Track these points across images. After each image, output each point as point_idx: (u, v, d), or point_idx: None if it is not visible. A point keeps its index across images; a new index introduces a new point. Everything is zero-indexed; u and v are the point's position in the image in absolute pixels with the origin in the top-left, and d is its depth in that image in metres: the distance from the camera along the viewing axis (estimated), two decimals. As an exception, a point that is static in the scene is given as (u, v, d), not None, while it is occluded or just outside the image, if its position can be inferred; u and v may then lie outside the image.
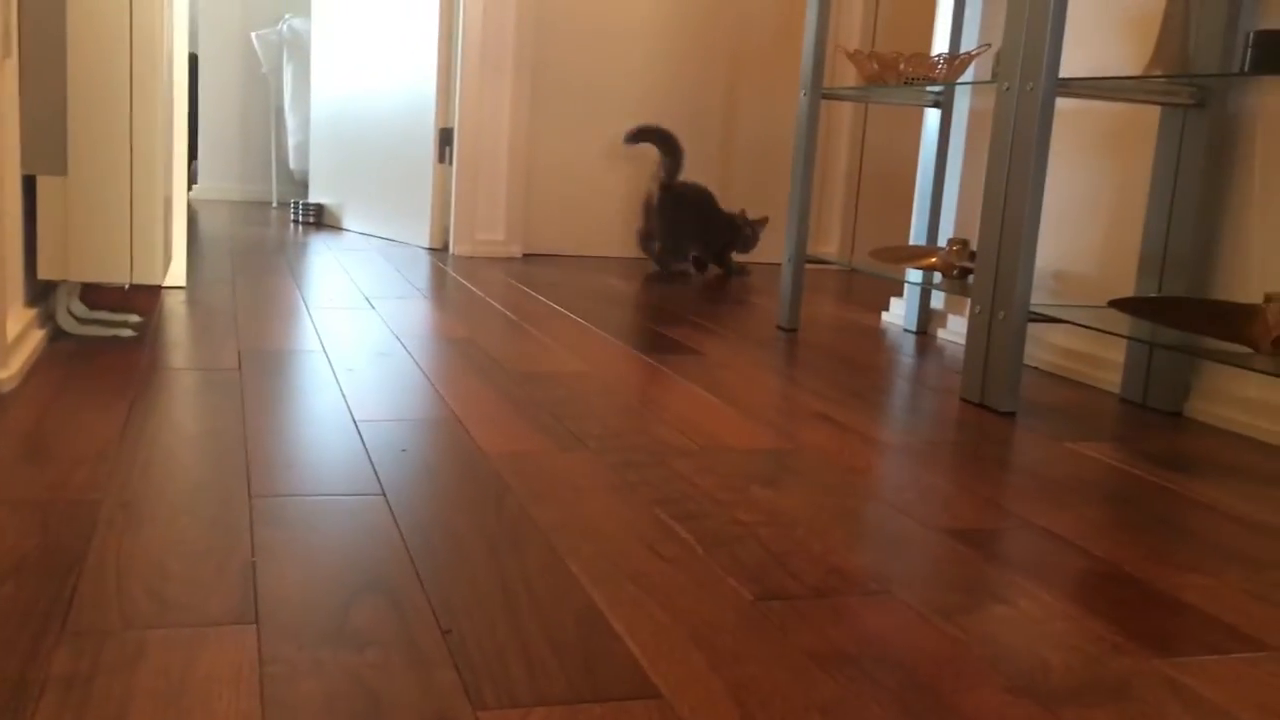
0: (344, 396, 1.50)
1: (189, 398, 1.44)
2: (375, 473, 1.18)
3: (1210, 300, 1.55)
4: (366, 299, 2.32)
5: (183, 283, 2.28)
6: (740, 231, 3.27)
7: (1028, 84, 1.60)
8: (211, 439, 1.26)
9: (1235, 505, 1.28)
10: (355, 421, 1.38)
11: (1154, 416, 1.72)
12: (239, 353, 1.72)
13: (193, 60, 5.31)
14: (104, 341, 1.72)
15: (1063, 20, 1.57)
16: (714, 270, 3.34)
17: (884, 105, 3.64)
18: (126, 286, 2.05)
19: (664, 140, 3.17)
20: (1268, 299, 1.36)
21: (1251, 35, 1.33)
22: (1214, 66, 1.62)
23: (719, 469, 1.29)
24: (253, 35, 4.37)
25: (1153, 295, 1.69)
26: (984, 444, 1.49)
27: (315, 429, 1.33)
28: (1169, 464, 1.45)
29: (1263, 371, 1.33)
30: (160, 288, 2.23)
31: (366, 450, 1.26)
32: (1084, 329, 1.89)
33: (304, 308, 2.16)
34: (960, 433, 1.54)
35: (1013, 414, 1.67)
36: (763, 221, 3.25)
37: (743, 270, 3.34)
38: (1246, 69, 1.34)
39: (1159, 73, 1.52)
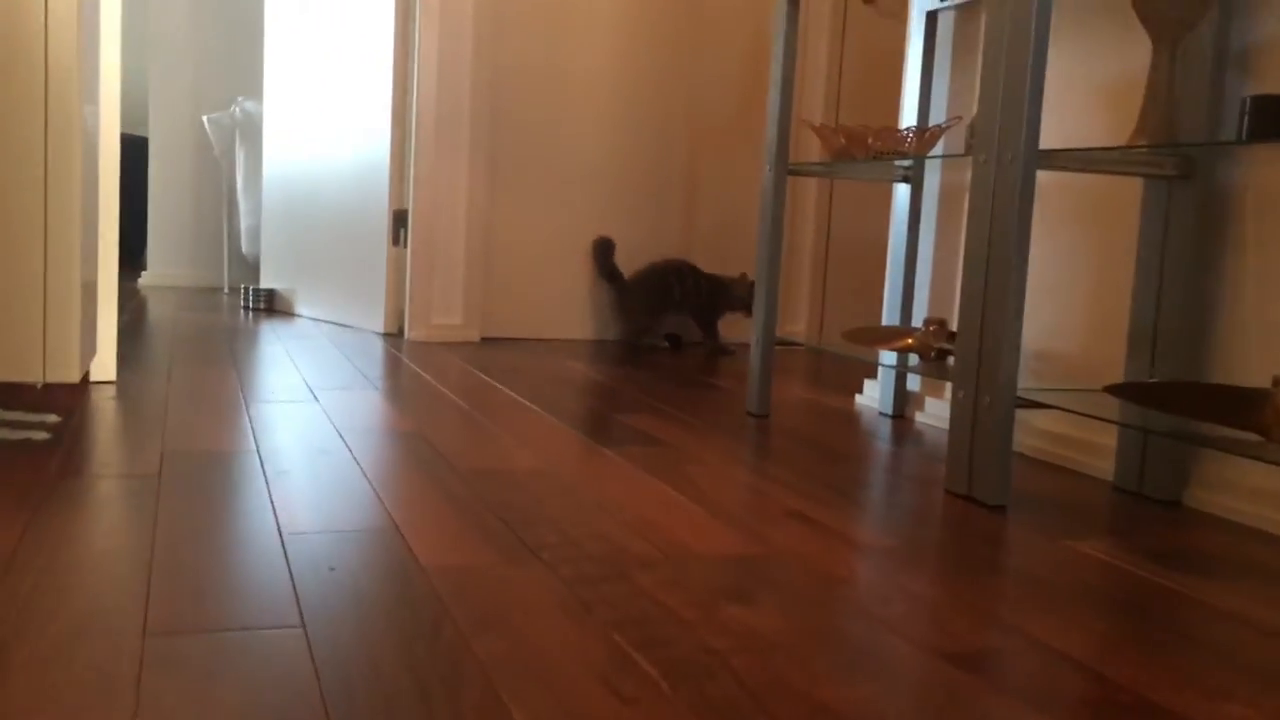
0: (272, 505, 1.36)
1: (97, 510, 1.29)
2: (297, 599, 1.04)
3: (1214, 385, 1.45)
4: (311, 390, 2.19)
5: (112, 376, 2.13)
6: (730, 292, 3.23)
7: (1007, 155, 1.51)
8: (113, 561, 1.11)
9: (1258, 613, 1.16)
10: (281, 535, 1.23)
11: (1152, 507, 1.61)
12: (162, 455, 1.58)
13: (142, 144, 5.21)
14: (13, 446, 1.58)
15: (1041, 89, 1.49)
16: (687, 346, 3.23)
17: (851, 181, 3.58)
18: (38, 386, 1.91)
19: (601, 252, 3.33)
20: (1277, 383, 1.26)
21: (1248, 101, 1.25)
22: (1199, 135, 1.54)
23: (686, 582, 1.15)
24: (204, 118, 4.28)
25: (1151, 380, 1.59)
26: (974, 544, 1.37)
27: (234, 546, 1.19)
28: (1177, 564, 1.33)
29: (1276, 463, 1.22)
30: (86, 383, 2.09)
31: (290, 571, 1.12)
32: (1071, 414, 1.78)
33: (242, 402, 2.02)
34: (948, 531, 1.42)
35: (1003, 507, 1.55)
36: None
37: (728, 350, 3.27)
38: (1245, 137, 1.25)
39: (1144, 143, 1.43)
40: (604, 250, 3.31)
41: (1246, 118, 1.24)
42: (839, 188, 3.59)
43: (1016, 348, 1.53)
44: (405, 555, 1.19)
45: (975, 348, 1.57)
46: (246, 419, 1.87)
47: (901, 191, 2.27)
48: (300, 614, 1.00)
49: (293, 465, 1.56)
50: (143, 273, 4.50)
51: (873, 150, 1.99)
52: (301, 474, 1.51)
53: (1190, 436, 1.38)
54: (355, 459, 1.62)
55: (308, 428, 1.83)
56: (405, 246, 3.17)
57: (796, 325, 3.58)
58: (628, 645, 0.97)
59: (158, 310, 3.57)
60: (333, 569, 1.13)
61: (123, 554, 1.14)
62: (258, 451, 1.63)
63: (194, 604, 1.01)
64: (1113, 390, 1.38)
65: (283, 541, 1.21)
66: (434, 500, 1.42)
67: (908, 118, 2.25)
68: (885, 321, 2.31)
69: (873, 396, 2.40)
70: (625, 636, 0.99)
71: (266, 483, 1.46)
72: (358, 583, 1.09)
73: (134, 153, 5.47)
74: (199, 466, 1.52)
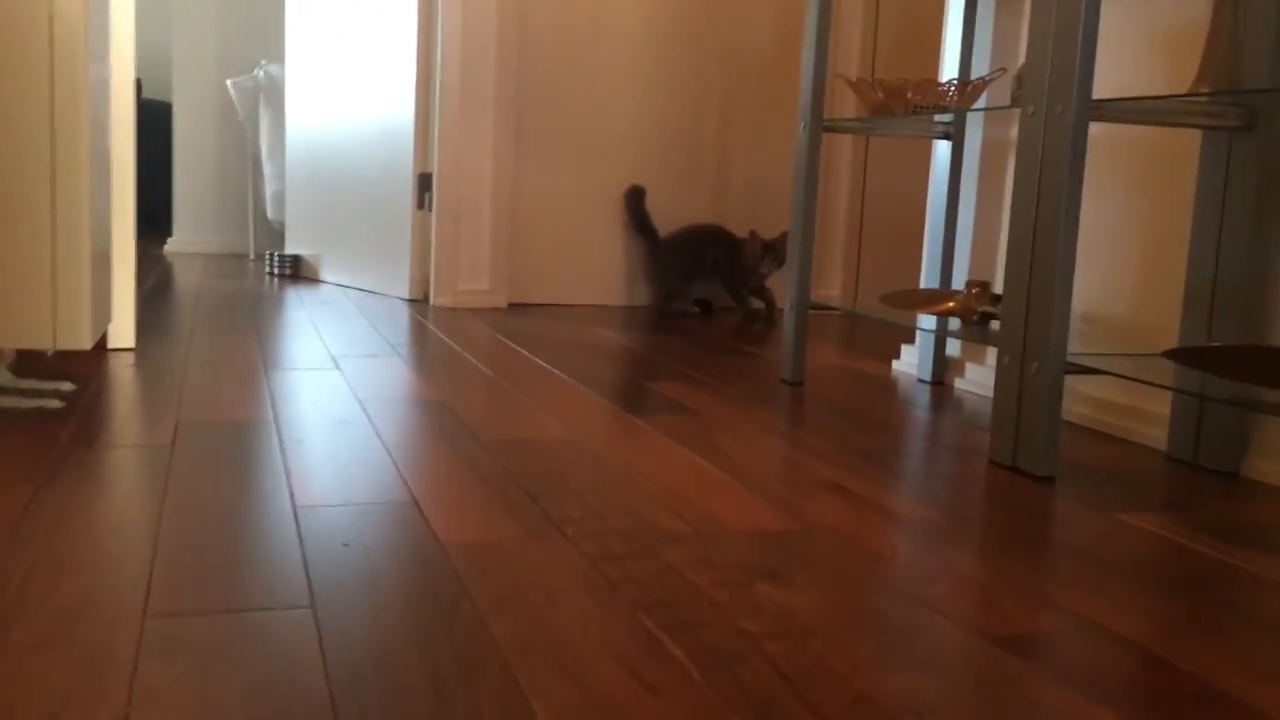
0: (287, 477, 1.30)
1: (106, 482, 1.24)
2: (308, 577, 0.99)
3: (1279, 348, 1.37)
4: (333, 358, 2.14)
5: (131, 344, 2.09)
6: (744, 253, 3.18)
7: (1057, 107, 1.43)
8: (118, 536, 1.07)
9: (1328, 591, 1.09)
10: (295, 509, 1.18)
11: (1208, 478, 1.53)
12: (177, 425, 1.53)
13: (166, 110, 5.17)
14: (26, 414, 1.54)
15: (1094, 35, 1.40)
16: (720, 312, 3.16)
17: (886, 138, 3.48)
18: (49, 353, 1.86)
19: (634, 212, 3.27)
20: (1349, 346, 1.17)
21: (1323, 43, 1.16)
22: (1264, 84, 1.45)
23: (717, 559, 1.09)
24: (228, 82, 4.23)
25: (1211, 344, 1.50)
26: (1022, 518, 1.30)
27: (245, 521, 1.14)
28: (1237, 538, 1.25)
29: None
30: (104, 350, 2.05)
31: (302, 546, 1.06)
32: (1122, 379, 1.70)
33: (262, 370, 1.98)
34: (993, 504, 1.35)
35: (1051, 479, 1.48)
36: (770, 244, 3.12)
37: (761, 316, 3.21)
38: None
39: (1207, 90, 1.34)
40: (635, 198, 3.24)
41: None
42: (874, 145, 3.49)
43: (1067, 311, 1.45)
44: (423, 530, 1.13)
45: (1022, 311, 1.49)
46: (266, 388, 1.82)
47: (941, 148, 2.18)
48: (311, 593, 0.95)
49: (310, 436, 1.51)
50: (168, 239, 4.47)
51: (913, 105, 1.90)
52: (319, 445, 1.46)
53: (1255, 404, 1.30)
54: (375, 430, 1.57)
55: (328, 397, 1.78)
56: (430, 210, 3.11)
57: (830, 289, 3.50)
58: (655, 628, 0.91)
59: (182, 277, 3.53)
60: (346, 545, 1.08)
61: (129, 529, 1.09)
62: (275, 421, 1.59)
63: (198, 583, 0.96)
64: (1172, 355, 1.30)
65: (296, 516, 1.16)
66: (456, 472, 1.36)
67: (949, 71, 2.16)
68: (924, 284, 2.23)
69: (910, 362, 2.32)
70: (653, 619, 0.93)
71: (283, 454, 1.41)
72: (372, 560, 1.04)
73: (160, 119, 5.43)
74: (214, 436, 1.48)
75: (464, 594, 0.96)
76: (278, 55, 4.25)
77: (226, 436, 1.48)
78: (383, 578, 0.99)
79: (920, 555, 1.14)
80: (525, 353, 2.32)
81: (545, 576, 1.02)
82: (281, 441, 1.47)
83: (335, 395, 1.79)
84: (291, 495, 1.23)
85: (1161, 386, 1.35)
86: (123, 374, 1.87)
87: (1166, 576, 1.11)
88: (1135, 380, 1.41)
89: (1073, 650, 0.91)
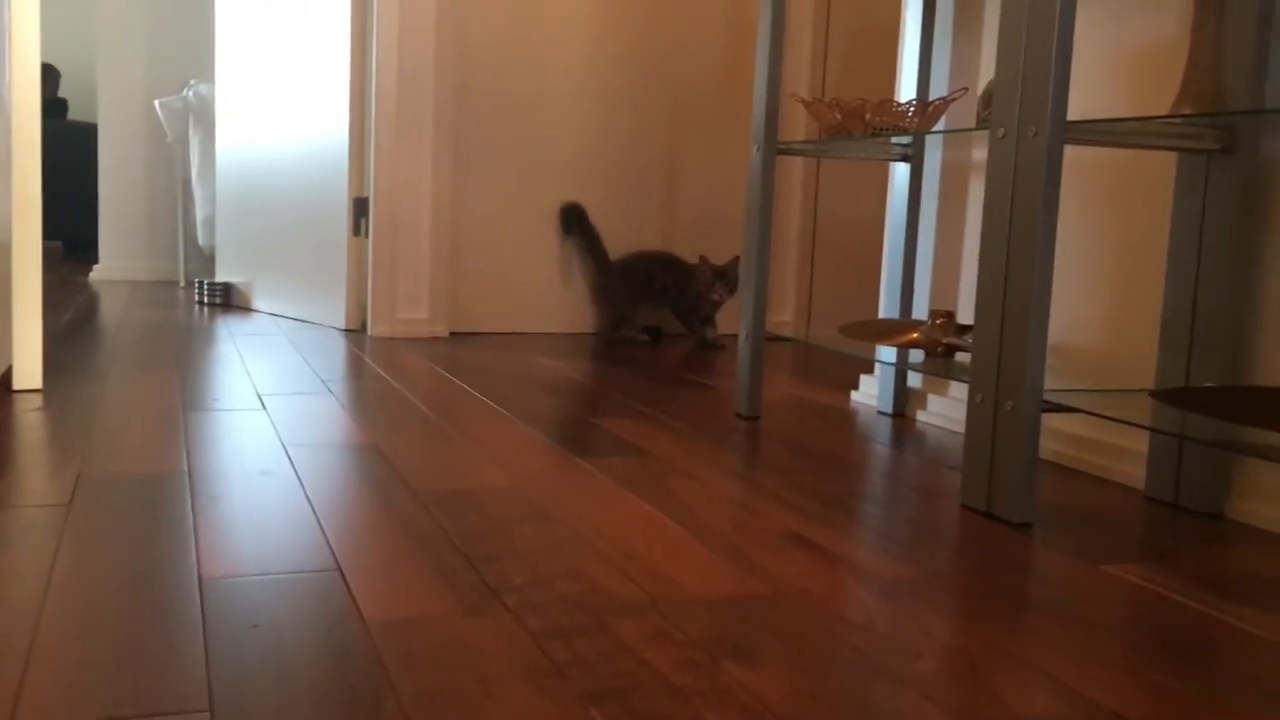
0: (196, 542, 1.17)
1: (-13, 553, 1.10)
2: (208, 671, 0.86)
3: (1276, 388, 1.28)
4: (260, 397, 2.00)
5: (37, 384, 1.94)
6: (694, 281, 3.05)
7: (1030, 129, 1.34)
8: (-9, 623, 0.93)
9: (1342, 657, 1.00)
10: (201, 582, 1.05)
11: (1192, 521, 1.45)
12: (78, 479, 1.39)
13: (92, 131, 4.99)
14: (-92, 471, 1.39)
15: (1069, 53, 1.31)
16: (662, 342, 3.06)
17: (837, 161, 3.40)
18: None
19: (575, 221, 3.15)
20: (1351, 385, 1.09)
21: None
22: (1243, 104, 1.37)
23: (677, 633, 0.98)
24: (156, 103, 4.06)
25: (1205, 385, 1.42)
26: (1003, 573, 1.20)
27: (141, 600, 1.00)
28: (1237, 594, 1.16)
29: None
30: (10, 392, 1.89)
31: (205, 632, 0.93)
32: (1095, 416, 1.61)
33: (180, 412, 1.83)
34: (971, 557, 1.25)
35: (1028, 525, 1.38)
36: (721, 269, 3.00)
37: (715, 344, 3.09)
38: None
39: (1190, 110, 1.26)
40: (573, 215, 3.13)
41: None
42: (825, 166, 3.41)
43: (1043, 346, 1.36)
44: (346, 606, 1.01)
45: (995, 346, 1.40)
46: (182, 433, 1.68)
47: (900, 171, 2.09)
48: (209, 693, 0.82)
49: (227, 490, 1.38)
50: (95, 266, 4.28)
51: (871, 126, 1.81)
52: (235, 501, 1.33)
53: (1243, 446, 1.21)
54: (300, 481, 1.43)
55: (251, 442, 1.64)
56: (366, 236, 2.97)
57: (782, 315, 3.41)
58: (609, 727, 0.80)
59: (107, 306, 3.36)
60: (256, 626, 0.95)
61: (2, 618, 0.95)
62: (189, 473, 1.45)
63: (75, 684, 0.82)
64: (1160, 396, 1.21)
65: (201, 591, 1.03)
66: (386, 532, 1.24)
67: (906, 90, 2.07)
68: (883, 312, 2.14)
69: (870, 394, 2.23)
70: (604, 712, 0.82)
71: (193, 513, 1.27)
72: (284, 646, 0.91)
73: (86, 141, 5.24)
74: (118, 493, 1.34)
75: (388, 688, 0.84)
76: (207, 75, 4.10)
77: (132, 493, 1.34)
78: (295, 670, 0.87)
79: (899, 623, 1.03)
80: (465, 387, 2.20)
81: (482, 660, 0.90)
82: (193, 498, 1.33)
83: (259, 440, 1.65)
84: (198, 565, 1.10)
85: (1149, 429, 1.26)
86: (24, 419, 1.72)
87: (1167, 642, 1.01)
88: (1122, 421, 1.32)
89: (1079, 741, 0.81)
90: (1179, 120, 1.34)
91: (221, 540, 1.18)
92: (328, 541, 1.19)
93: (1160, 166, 1.58)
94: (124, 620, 0.95)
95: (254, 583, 1.05)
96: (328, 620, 0.97)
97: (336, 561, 1.12)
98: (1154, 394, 1.22)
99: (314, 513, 1.29)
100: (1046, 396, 1.38)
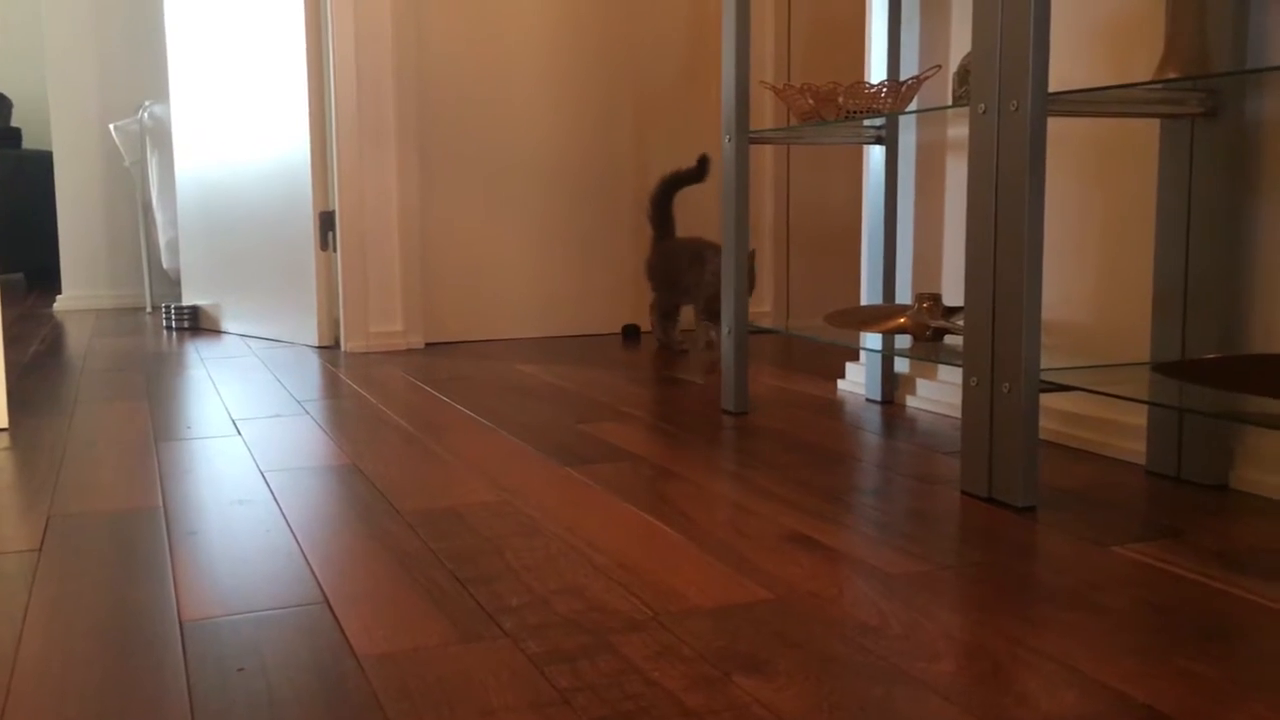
0: (174, 582, 1.12)
1: (-46, 607, 1.05)
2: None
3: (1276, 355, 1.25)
4: (234, 422, 1.94)
5: (2, 423, 1.87)
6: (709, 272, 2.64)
7: (1011, 103, 1.30)
8: (-41, 685, 0.88)
9: (1371, 629, 0.96)
10: (181, 625, 1.00)
11: (1196, 494, 1.41)
12: (48, 522, 1.34)
13: (47, 159, 4.89)
14: None
15: (1046, 25, 1.28)
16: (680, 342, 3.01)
17: (807, 147, 3.37)
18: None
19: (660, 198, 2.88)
20: (1359, 348, 1.06)
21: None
22: (1227, 66, 1.34)
23: (684, 648, 0.94)
24: (111, 127, 3.98)
25: (1207, 356, 1.39)
26: (1013, 562, 1.16)
27: (119, 647, 0.95)
28: (1252, 567, 1.13)
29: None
30: (-26, 433, 1.83)
31: (187, 679, 0.88)
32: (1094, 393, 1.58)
33: (152, 442, 1.78)
34: (978, 547, 1.21)
35: (1033, 509, 1.35)
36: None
37: (679, 348, 2.82)
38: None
39: (1175, 75, 1.23)
40: (657, 191, 2.88)
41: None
42: (795, 153, 3.38)
43: (1037, 325, 1.32)
44: (335, 641, 0.96)
45: (988, 328, 1.36)
46: (155, 465, 1.63)
47: (875, 154, 2.06)
48: (196, 747, 0.77)
49: (204, 524, 1.32)
50: (58, 297, 4.20)
51: (844, 110, 1.78)
52: (214, 535, 1.28)
53: (1249, 416, 1.18)
54: (280, 509, 1.38)
55: (227, 470, 1.59)
56: (335, 250, 2.91)
57: (761, 305, 3.37)
58: (622, 756, 0.75)
59: (72, 337, 3.29)
60: (242, 669, 0.90)
61: (-26, 673, 0.90)
62: (164, 508, 1.40)
63: (55, 746, 0.77)
64: (1162, 369, 1.18)
65: (182, 634, 0.98)
66: (373, 557, 1.19)
67: (876, 72, 2.03)
68: (865, 298, 2.11)
69: (857, 382, 2.19)
70: (617, 741, 0.77)
71: (170, 551, 1.22)
72: (273, 689, 0.86)
73: (42, 169, 5.14)
74: (91, 534, 1.28)
75: (386, 728, 0.80)
76: (162, 95, 4.02)
77: (105, 533, 1.29)
78: (285, 714, 0.82)
79: (914, 622, 0.99)
80: (445, 399, 2.15)
81: (482, 690, 0.86)
82: (170, 535, 1.28)
83: (235, 468, 1.60)
84: (178, 607, 1.05)
85: (1153, 404, 1.22)
86: (-9, 461, 1.66)
87: (1188, 624, 0.98)
88: (1125, 398, 1.29)
89: (1114, 739, 0.77)
90: (1162, 85, 1.30)
91: (201, 578, 1.13)
92: (312, 572, 1.14)
93: (1142, 135, 1.55)
94: (102, 670, 0.90)
95: (237, 622, 1.00)
96: (317, 657, 0.92)
97: (323, 593, 1.08)
98: (1156, 367, 1.18)
99: (296, 542, 1.24)
100: (1044, 376, 1.35)
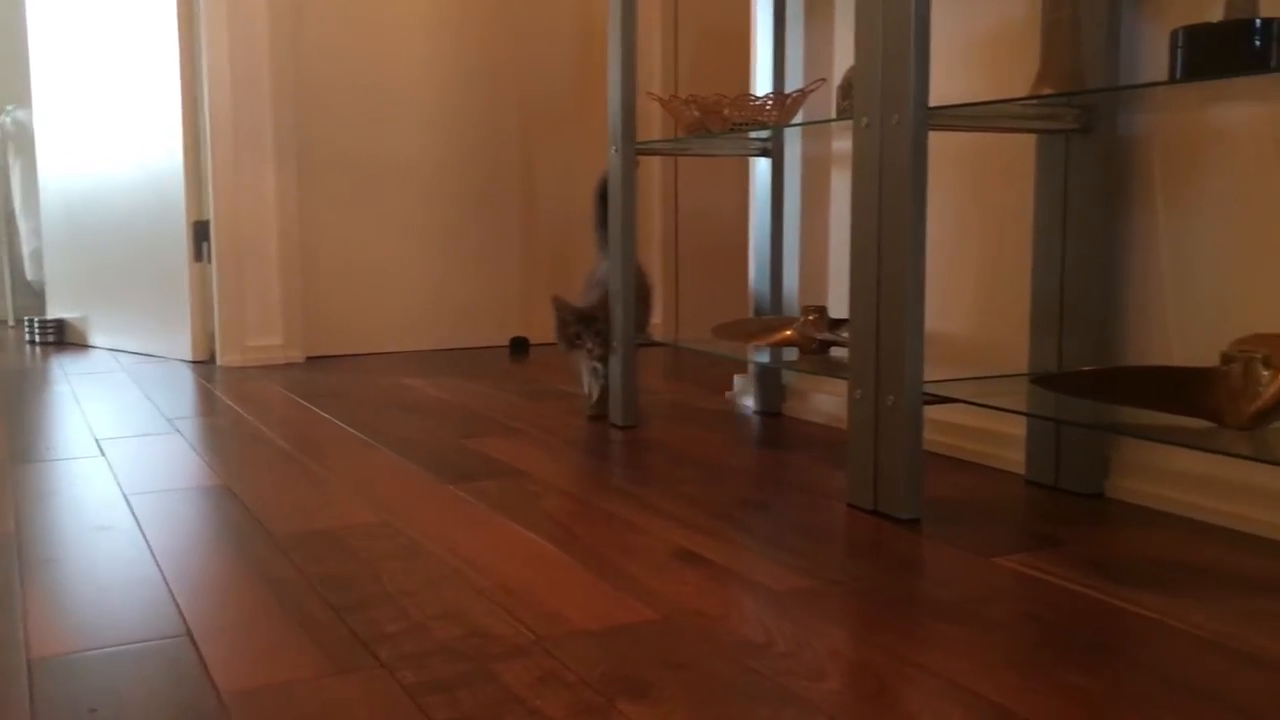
0: (25, 615, 1.05)
1: None
2: (36, 771, 0.75)
3: (1153, 368, 1.28)
4: (97, 442, 1.85)
5: None
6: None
7: (892, 116, 1.31)
8: None
9: (1234, 635, 0.98)
10: (29, 664, 0.94)
11: (1074, 503, 1.44)
12: (-114, 553, 1.25)
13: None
14: None
15: (926, 40, 1.29)
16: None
17: (695, 159, 3.37)
18: None
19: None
20: (1226, 359, 1.09)
21: (1180, 35, 1.07)
22: (1100, 82, 1.37)
23: (566, 673, 0.91)
24: (-31, 131, 3.79)
25: (1085, 368, 1.41)
26: (898, 576, 1.16)
27: (-42, 689, 0.88)
28: (1127, 576, 1.15)
29: (1241, 456, 1.05)
30: None
31: (32, 722, 0.82)
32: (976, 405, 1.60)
33: (8, 465, 1.68)
34: (863, 560, 1.21)
35: (916, 521, 1.36)
36: (586, 312, 2.57)
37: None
38: (1179, 75, 1.07)
39: (1051, 90, 1.25)
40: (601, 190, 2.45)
41: (1180, 52, 1.06)
42: (684, 166, 3.38)
43: (920, 337, 1.33)
44: (198, 677, 0.90)
45: (872, 340, 1.37)
46: (10, 489, 1.53)
47: (761, 166, 2.06)
48: (38, 799, 0.71)
49: (61, 552, 1.25)
50: (-88, 309, 3.98)
51: (730, 121, 1.77)
52: (71, 564, 1.21)
53: (1125, 428, 1.20)
54: (144, 535, 1.31)
55: (88, 494, 1.51)
56: (209, 261, 2.81)
57: (652, 317, 3.36)
58: (500, 793, 0.72)
59: (-75, 353, 3.11)
60: (94, 711, 0.84)
61: None
62: (17, 535, 1.31)
63: (-122, 804, 0.71)
64: (1041, 381, 1.20)
65: (30, 674, 0.91)
66: (243, 585, 1.13)
67: (761, 84, 2.04)
68: (752, 311, 2.11)
69: (745, 394, 2.19)
70: (496, 777, 0.74)
71: (22, 582, 1.15)
72: (127, 733, 0.81)
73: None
74: (-66, 565, 1.20)
75: (250, 771, 0.75)
76: (24, 99, 3.84)
77: (-50, 563, 1.21)
78: (141, 759, 0.77)
79: (800, 640, 0.98)
80: (325, 415, 2.08)
81: (356, 727, 0.81)
82: (21, 564, 1.20)
83: (97, 491, 1.52)
84: (27, 644, 0.98)
85: (1033, 416, 1.24)
86: None
87: (1068, 636, 0.99)
88: (1006, 411, 1.30)
89: (999, 756, 0.77)
90: (1038, 101, 1.33)
91: (54, 611, 1.06)
92: (176, 603, 1.08)
93: (1018, 150, 1.58)
94: (-64, 719, 0.83)
95: (92, 659, 0.94)
96: (178, 695, 0.87)
97: (186, 625, 1.02)
98: (1034, 379, 1.20)
99: (160, 570, 1.18)
100: (926, 388, 1.36)
